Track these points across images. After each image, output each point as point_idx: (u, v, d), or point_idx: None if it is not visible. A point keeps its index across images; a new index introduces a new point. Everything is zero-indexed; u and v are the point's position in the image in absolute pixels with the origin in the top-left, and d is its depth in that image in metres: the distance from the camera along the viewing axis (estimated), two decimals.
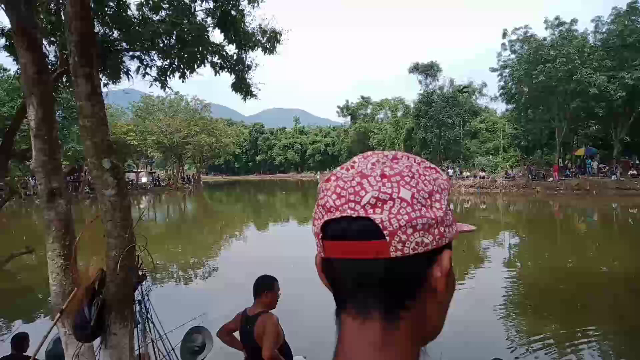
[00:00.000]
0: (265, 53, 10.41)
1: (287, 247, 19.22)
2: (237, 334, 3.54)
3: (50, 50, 7.60)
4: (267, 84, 12.46)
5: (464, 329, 6.94)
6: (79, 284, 3.21)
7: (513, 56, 41.54)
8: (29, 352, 5.46)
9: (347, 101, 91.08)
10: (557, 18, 38.73)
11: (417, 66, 52.90)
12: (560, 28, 38.32)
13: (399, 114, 75.63)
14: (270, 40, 9.77)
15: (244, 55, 10.51)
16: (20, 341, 5.42)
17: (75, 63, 3.05)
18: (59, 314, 3.19)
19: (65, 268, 3.36)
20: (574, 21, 38.45)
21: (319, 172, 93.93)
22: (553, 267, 12.79)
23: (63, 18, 9.23)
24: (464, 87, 52.57)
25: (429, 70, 52.46)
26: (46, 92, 3.50)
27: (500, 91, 43.99)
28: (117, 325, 3.14)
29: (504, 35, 41.51)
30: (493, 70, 43.55)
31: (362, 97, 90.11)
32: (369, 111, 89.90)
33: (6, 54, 10.02)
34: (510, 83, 42.48)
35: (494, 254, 15.79)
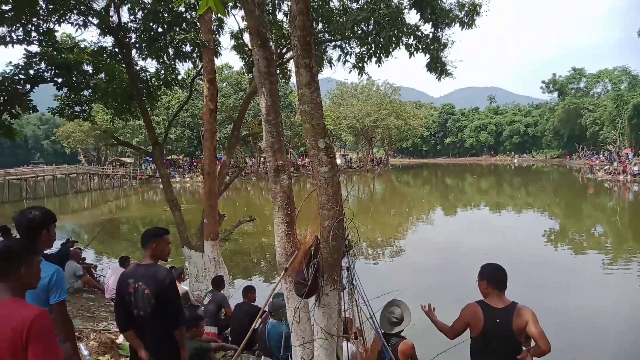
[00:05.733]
0: (462, 28, 9.98)
1: (476, 234, 18.35)
2: None
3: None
4: (461, 62, 11.98)
5: None
6: (299, 247, 3.73)
7: None
8: (257, 303, 6.58)
9: (554, 75, 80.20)
10: None
11: None
12: None
13: (623, 86, 63.40)
14: (469, 14, 9.32)
15: (439, 34, 10.29)
16: (247, 291, 6.57)
17: (298, 55, 3.47)
18: (283, 272, 3.76)
19: (288, 233, 3.91)
20: None
21: (516, 156, 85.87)
22: None
23: (279, 16, 10.51)
24: None
25: None
26: (274, 83, 4.08)
27: None
28: (328, 287, 3.55)
29: None
30: None
31: (574, 69, 78.28)
32: (582, 85, 77.79)
33: (233, 52, 11.82)
34: None
35: None
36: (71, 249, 9.93)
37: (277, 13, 10.20)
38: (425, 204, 31.52)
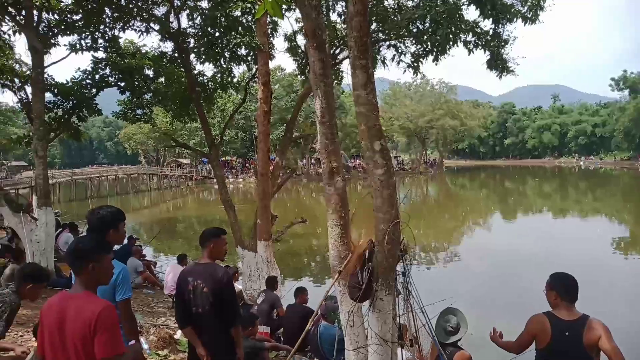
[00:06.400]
0: (525, 24, 9.52)
1: (538, 241, 17.43)
2: None
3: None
4: (524, 58, 11.43)
5: None
6: (353, 250, 3.67)
7: None
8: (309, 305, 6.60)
9: (625, 71, 74.60)
10: None
11: None
12: None
13: None
14: (533, 8, 8.87)
15: (500, 30, 9.87)
16: (299, 292, 6.59)
17: (355, 56, 3.42)
18: (336, 275, 3.71)
19: (341, 236, 3.86)
20: None
21: (582, 158, 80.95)
22: None
23: (332, 17, 10.51)
24: None
25: None
26: (329, 85, 4.05)
27: None
28: (383, 291, 3.46)
29: None
30: None
31: None
32: None
33: (286, 55, 11.96)
34: None
35: None
36: (132, 246, 10.44)
37: (330, 14, 10.21)
38: (482, 208, 30.43)
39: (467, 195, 40.41)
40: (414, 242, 3.68)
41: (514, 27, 13.09)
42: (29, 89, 11.92)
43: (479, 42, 9.72)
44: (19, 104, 12.96)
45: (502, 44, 9.73)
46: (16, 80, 12.04)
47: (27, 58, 11.75)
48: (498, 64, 9.90)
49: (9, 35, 9.75)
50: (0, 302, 3.17)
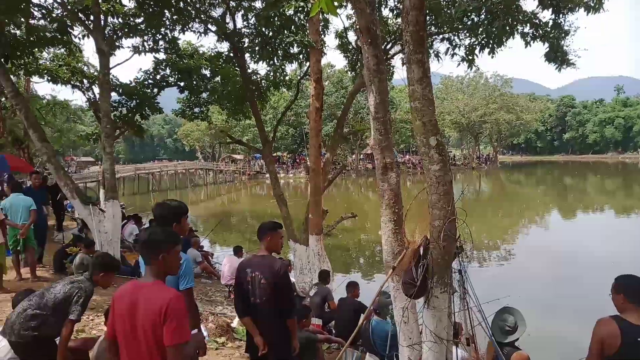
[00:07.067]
0: (588, 13, 9.00)
1: (600, 240, 16.46)
2: None
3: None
4: (586, 50, 10.80)
5: None
6: (407, 246, 3.67)
7: None
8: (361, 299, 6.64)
9: None
10: None
11: None
12: None
13: None
14: None
15: (561, 20, 9.39)
16: (352, 287, 6.64)
17: (410, 51, 3.41)
18: (390, 270, 3.73)
19: (395, 232, 3.87)
20: None
21: None
22: None
23: (384, 12, 10.42)
24: None
25: None
26: (383, 81, 4.06)
27: None
28: (438, 289, 3.45)
29: None
30: None
31: None
32: None
33: (335, 51, 11.94)
34: None
35: None
36: (192, 237, 10.91)
37: (382, 9, 10.13)
38: (539, 205, 29.08)
39: (523, 191, 38.75)
40: (471, 240, 3.61)
41: (575, 17, 12.40)
42: (96, 89, 12.78)
43: (537, 34, 9.30)
44: (87, 103, 13.90)
45: (563, 35, 9.26)
46: (85, 81, 12.91)
47: (93, 60, 12.58)
48: (557, 56, 9.43)
49: (78, 39, 10.45)
50: (77, 288, 3.43)
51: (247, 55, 10.30)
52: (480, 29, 9.39)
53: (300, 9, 8.49)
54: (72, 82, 12.61)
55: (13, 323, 3.33)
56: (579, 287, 10.61)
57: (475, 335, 3.92)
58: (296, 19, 9.13)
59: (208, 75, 12.41)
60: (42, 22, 9.63)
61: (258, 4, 9.81)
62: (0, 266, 6.19)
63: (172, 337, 2.13)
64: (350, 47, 11.16)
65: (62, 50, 11.78)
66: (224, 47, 11.53)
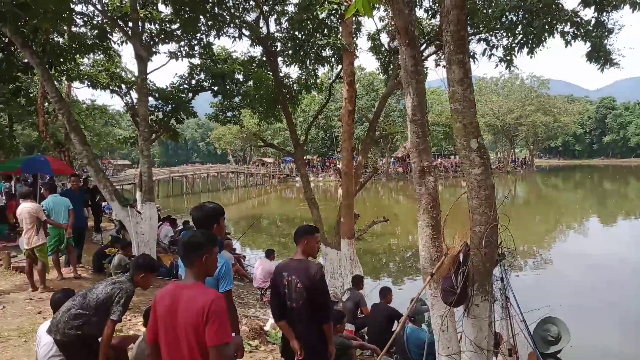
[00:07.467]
0: (634, 10, 8.60)
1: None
2: None
3: None
4: (632, 49, 10.33)
5: None
6: (446, 253, 3.56)
7: None
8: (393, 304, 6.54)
9: None
10: None
11: None
12: None
13: None
14: None
15: (604, 18, 9.01)
16: (385, 292, 6.54)
17: (451, 51, 3.32)
18: (429, 277, 3.63)
19: (433, 237, 3.77)
20: None
21: None
22: None
23: (418, 13, 10.28)
24: None
25: None
26: (421, 82, 3.97)
27: None
28: (479, 297, 3.33)
29: None
30: None
31: None
32: None
33: (366, 54, 11.91)
34: None
35: None
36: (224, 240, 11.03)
37: (416, 10, 9.99)
38: (578, 210, 28.02)
39: (561, 196, 37.45)
40: (514, 247, 3.48)
41: (619, 15, 11.90)
42: (134, 94, 13.17)
43: (579, 32, 8.95)
44: (124, 108, 14.35)
45: (606, 33, 8.87)
46: (123, 86, 13.32)
47: (131, 66, 12.97)
48: (600, 56, 9.03)
49: (117, 45, 10.79)
50: (118, 289, 3.50)
51: (279, 58, 10.37)
52: (519, 29, 9.12)
53: (333, 11, 8.48)
54: (110, 87, 13.03)
55: (58, 322, 3.42)
56: (620, 297, 10.15)
57: (516, 346, 3.77)
58: (329, 22, 9.12)
59: (241, 80, 12.58)
60: (83, 29, 10.01)
61: (291, 8, 9.88)
62: (44, 265, 6.42)
63: (214, 338, 2.13)
64: (383, 49, 11.07)
65: (102, 56, 12.19)
66: (257, 51, 11.67)
